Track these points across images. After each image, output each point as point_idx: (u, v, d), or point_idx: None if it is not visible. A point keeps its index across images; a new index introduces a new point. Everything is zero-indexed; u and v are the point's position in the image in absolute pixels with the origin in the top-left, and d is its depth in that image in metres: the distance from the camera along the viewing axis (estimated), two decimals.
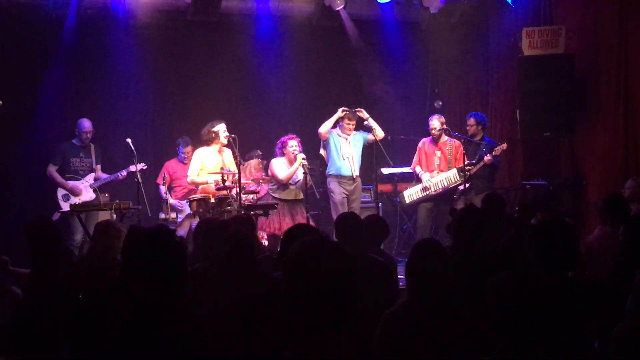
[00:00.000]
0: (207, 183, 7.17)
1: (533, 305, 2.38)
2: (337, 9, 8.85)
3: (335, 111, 7.76)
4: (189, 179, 7.40)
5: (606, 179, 7.56)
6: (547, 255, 3.19)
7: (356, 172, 7.76)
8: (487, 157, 7.56)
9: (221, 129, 7.28)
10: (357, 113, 7.74)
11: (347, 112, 7.69)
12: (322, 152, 7.95)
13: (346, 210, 7.33)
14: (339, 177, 7.71)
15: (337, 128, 7.80)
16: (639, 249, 3.53)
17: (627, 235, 3.69)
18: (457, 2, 8.99)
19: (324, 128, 7.68)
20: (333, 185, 7.72)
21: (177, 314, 2.21)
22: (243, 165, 7.50)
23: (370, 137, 7.77)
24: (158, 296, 2.15)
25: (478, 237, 4.16)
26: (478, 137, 7.89)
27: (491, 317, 2.45)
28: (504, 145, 7.67)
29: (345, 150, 7.74)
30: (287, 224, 7.24)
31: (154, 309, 2.15)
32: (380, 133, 7.74)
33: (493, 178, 7.96)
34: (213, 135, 7.28)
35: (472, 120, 7.96)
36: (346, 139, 7.77)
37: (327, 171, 7.87)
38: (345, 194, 7.70)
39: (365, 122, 7.73)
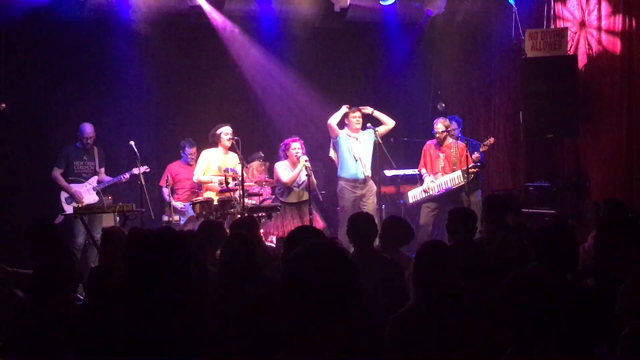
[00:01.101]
0: (212, 182, 7.36)
1: (545, 306, 2.38)
2: (345, 5, 8.74)
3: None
4: (194, 178, 7.59)
5: (610, 180, 7.53)
6: (546, 257, 3.19)
7: (368, 173, 7.73)
8: (475, 155, 7.58)
9: (223, 132, 7.42)
10: (362, 110, 7.76)
11: (350, 109, 7.69)
12: (332, 154, 7.90)
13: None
14: (351, 181, 7.67)
15: (345, 128, 7.79)
16: (615, 255, 3.37)
17: (600, 242, 3.55)
18: (459, 4, 8.96)
19: (333, 121, 7.65)
20: (344, 189, 7.68)
21: (181, 316, 2.21)
22: (246, 167, 7.52)
23: (379, 131, 7.74)
24: (163, 299, 2.14)
25: (469, 235, 4.33)
26: None
27: (503, 318, 2.44)
28: (491, 140, 7.71)
29: (357, 150, 7.70)
30: (295, 226, 7.21)
31: (159, 312, 2.14)
32: (390, 122, 7.78)
33: (479, 176, 7.99)
34: (216, 138, 7.47)
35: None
36: (357, 139, 7.75)
37: (338, 173, 7.84)
38: (356, 197, 7.68)
39: (372, 113, 7.79)
